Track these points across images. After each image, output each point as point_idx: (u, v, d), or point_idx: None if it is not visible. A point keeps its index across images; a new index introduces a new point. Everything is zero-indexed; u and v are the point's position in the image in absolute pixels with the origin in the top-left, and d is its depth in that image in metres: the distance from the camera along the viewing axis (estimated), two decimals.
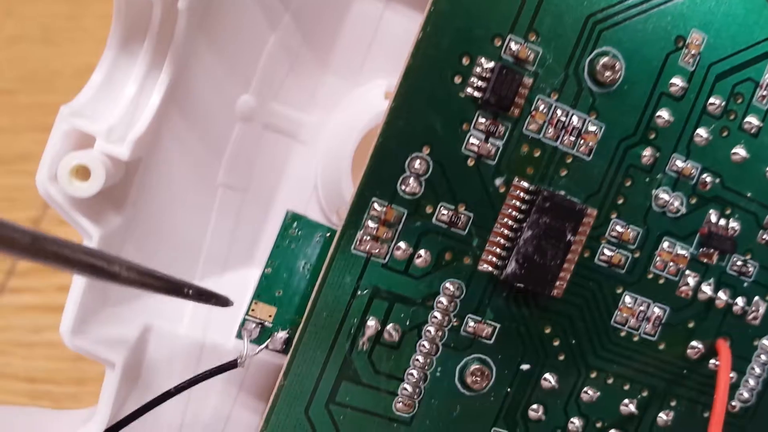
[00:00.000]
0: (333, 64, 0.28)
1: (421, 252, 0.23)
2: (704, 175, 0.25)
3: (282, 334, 0.24)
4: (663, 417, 0.26)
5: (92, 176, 0.21)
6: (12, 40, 0.46)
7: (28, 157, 0.42)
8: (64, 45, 0.46)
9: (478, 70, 0.22)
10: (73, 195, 0.21)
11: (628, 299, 0.25)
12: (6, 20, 0.47)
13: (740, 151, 0.25)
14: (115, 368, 0.23)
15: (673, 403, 0.26)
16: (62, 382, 0.35)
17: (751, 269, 0.26)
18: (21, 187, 0.41)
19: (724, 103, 0.25)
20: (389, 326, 0.23)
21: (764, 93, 0.25)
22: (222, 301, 0.20)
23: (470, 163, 0.23)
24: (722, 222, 0.25)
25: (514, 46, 0.22)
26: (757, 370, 0.27)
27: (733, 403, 0.27)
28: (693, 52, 0.24)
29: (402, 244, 0.23)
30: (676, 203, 0.25)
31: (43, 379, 0.35)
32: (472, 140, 0.23)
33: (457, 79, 0.22)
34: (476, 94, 0.23)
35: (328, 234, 0.24)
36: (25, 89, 0.45)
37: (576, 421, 0.26)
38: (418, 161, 0.23)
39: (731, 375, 0.26)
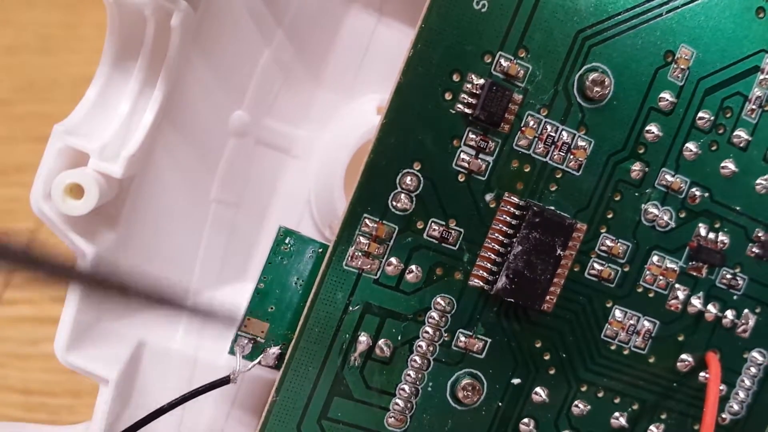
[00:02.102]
0: (326, 79, 0.28)
1: (413, 267, 0.23)
2: (693, 189, 0.25)
3: (274, 350, 0.24)
4: (653, 430, 0.26)
5: (86, 194, 0.21)
6: (9, 50, 0.46)
7: (26, 168, 0.42)
8: (62, 54, 0.46)
9: (469, 86, 0.23)
10: (66, 213, 0.22)
11: (617, 313, 0.25)
12: (2, 29, 0.47)
13: (729, 165, 0.25)
14: (109, 384, 0.23)
15: (663, 416, 0.27)
16: (58, 394, 0.35)
17: (740, 282, 0.26)
18: (18, 198, 0.40)
19: (713, 118, 0.25)
20: (381, 341, 0.24)
21: (753, 107, 0.25)
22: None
23: (461, 178, 0.23)
24: (711, 235, 0.26)
25: (504, 63, 0.23)
26: (747, 383, 0.27)
27: (724, 416, 0.27)
28: (682, 66, 0.24)
29: (393, 260, 0.23)
30: (666, 217, 0.25)
31: (38, 392, 0.35)
32: (463, 156, 0.23)
33: (448, 96, 0.23)
34: (467, 110, 0.23)
35: (320, 249, 0.24)
36: (23, 99, 0.44)
37: None
38: (409, 177, 0.23)
39: (721, 387, 0.27)
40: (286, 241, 0.24)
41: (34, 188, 0.22)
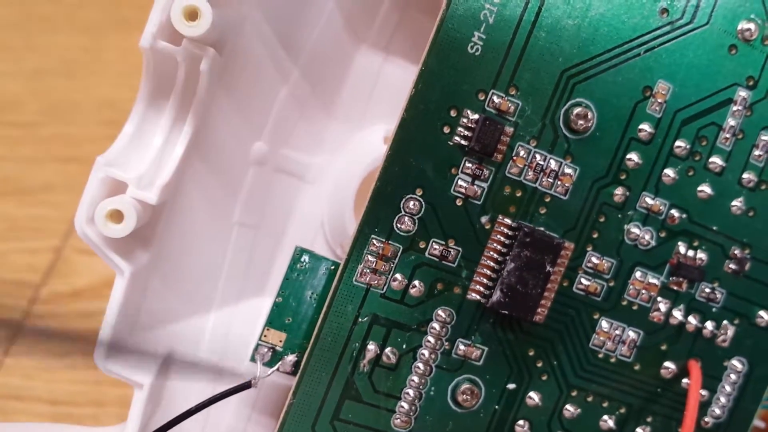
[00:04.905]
0: (337, 112, 0.30)
1: (416, 283, 0.25)
2: (672, 211, 0.26)
3: (291, 358, 0.25)
4: None
5: (125, 219, 0.23)
6: (34, 74, 0.47)
7: (51, 188, 0.43)
8: (85, 78, 0.46)
9: (465, 121, 0.24)
10: (108, 236, 0.23)
11: (604, 324, 0.27)
12: (27, 54, 0.47)
13: (706, 189, 0.26)
14: (143, 389, 0.25)
15: (649, 419, 0.28)
16: (83, 404, 0.36)
17: (719, 296, 0.27)
18: (43, 216, 0.42)
19: (689, 146, 0.26)
20: (387, 350, 0.25)
21: (727, 135, 0.26)
22: None
23: (458, 203, 0.25)
24: (690, 253, 0.27)
25: (496, 100, 0.25)
26: (728, 389, 0.28)
27: (706, 419, 0.28)
28: (660, 100, 0.26)
29: (398, 276, 0.25)
30: (647, 237, 0.26)
31: (64, 402, 0.36)
32: (460, 183, 0.25)
33: (446, 129, 0.24)
34: (463, 142, 0.25)
35: (333, 267, 0.26)
36: (47, 121, 0.45)
37: None
38: (412, 202, 0.25)
39: (703, 393, 0.28)
40: (302, 259, 0.26)
41: (78, 213, 0.24)
